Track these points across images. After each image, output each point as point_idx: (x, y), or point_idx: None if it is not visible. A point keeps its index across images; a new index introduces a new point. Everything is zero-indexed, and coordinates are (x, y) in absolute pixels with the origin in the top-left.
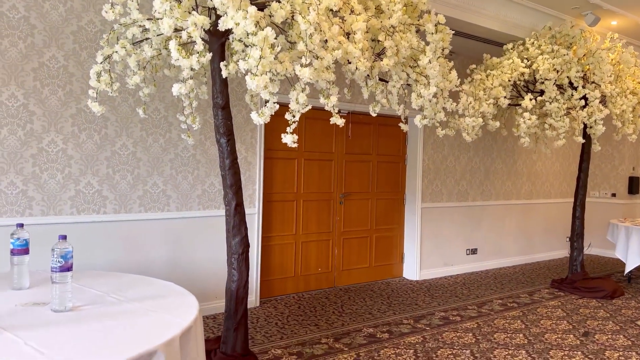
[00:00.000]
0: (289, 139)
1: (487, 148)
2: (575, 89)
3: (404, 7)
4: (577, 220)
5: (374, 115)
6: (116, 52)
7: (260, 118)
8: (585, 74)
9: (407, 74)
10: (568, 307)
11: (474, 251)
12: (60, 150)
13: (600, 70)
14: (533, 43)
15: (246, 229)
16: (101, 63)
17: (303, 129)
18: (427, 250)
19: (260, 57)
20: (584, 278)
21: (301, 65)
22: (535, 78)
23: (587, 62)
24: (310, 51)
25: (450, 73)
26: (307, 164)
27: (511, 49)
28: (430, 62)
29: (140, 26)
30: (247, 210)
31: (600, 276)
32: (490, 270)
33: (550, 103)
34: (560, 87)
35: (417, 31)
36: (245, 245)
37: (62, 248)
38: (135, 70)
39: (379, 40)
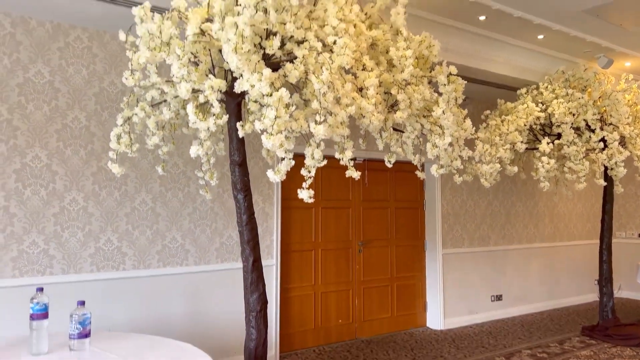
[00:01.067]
0: (305, 194)
1: (506, 191)
2: (593, 131)
3: (416, 60)
4: (605, 264)
5: (389, 166)
6: (136, 114)
7: (276, 176)
8: (602, 116)
9: (422, 125)
10: (601, 357)
11: (499, 297)
12: (82, 208)
13: (617, 112)
14: (547, 87)
15: (264, 285)
16: (121, 125)
17: (319, 178)
18: (451, 298)
19: (276, 117)
20: (616, 325)
21: (315, 123)
22: (551, 121)
23: (603, 105)
24: (324, 108)
25: (464, 121)
26: (324, 213)
27: (525, 93)
28: (444, 112)
29: (158, 89)
30: (265, 262)
31: (633, 322)
32: (516, 317)
33: (569, 146)
34: (577, 130)
35: (430, 82)
36: (264, 302)
37: (80, 314)
38: (154, 131)
39: (391, 93)
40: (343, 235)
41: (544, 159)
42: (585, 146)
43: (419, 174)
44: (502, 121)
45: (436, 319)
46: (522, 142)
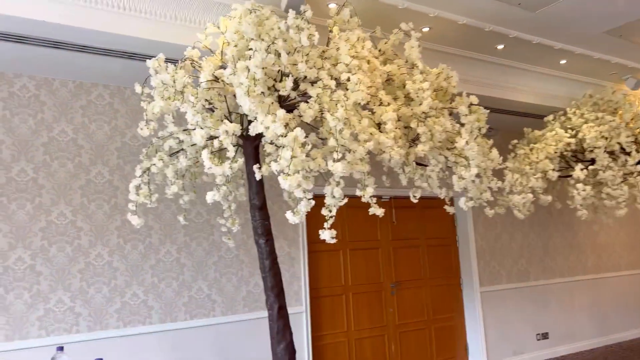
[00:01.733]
0: (327, 235)
1: (542, 222)
2: (629, 154)
3: (434, 92)
4: None
5: (415, 201)
6: (154, 164)
7: (295, 217)
8: (636, 138)
9: (445, 157)
10: None
11: (545, 335)
12: (107, 264)
13: None
14: (575, 112)
15: (291, 334)
16: (140, 176)
17: (344, 218)
18: (493, 339)
19: (292, 157)
20: None
21: (333, 160)
22: (583, 147)
23: (637, 126)
24: (342, 145)
25: (490, 152)
26: (352, 254)
27: (552, 120)
28: (467, 143)
29: (176, 138)
30: (294, 309)
31: None
32: (566, 357)
33: (604, 171)
34: (611, 154)
35: (451, 114)
36: (291, 352)
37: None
38: (173, 180)
39: (411, 127)
40: (374, 276)
41: (579, 185)
42: (622, 170)
43: (447, 208)
44: (530, 150)
45: None
46: (553, 169)
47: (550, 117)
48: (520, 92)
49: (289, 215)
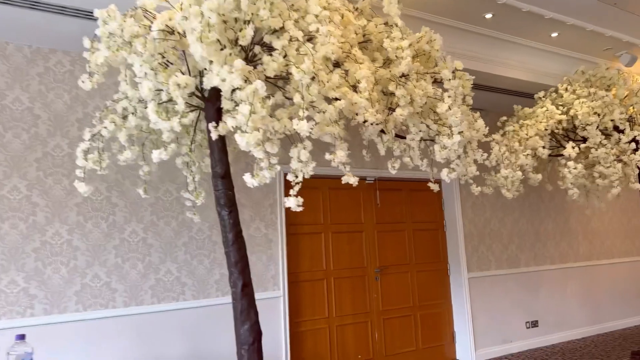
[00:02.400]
0: (292, 202)
1: (533, 207)
2: (622, 131)
3: (417, 57)
4: None
5: (393, 172)
6: (105, 127)
7: (254, 180)
8: (631, 116)
9: (427, 126)
10: None
11: (534, 324)
12: (65, 242)
13: None
14: (567, 89)
15: (256, 313)
16: (89, 140)
17: (328, 200)
18: (481, 326)
19: (251, 113)
20: None
21: (299, 119)
22: (575, 125)
23: (631, 103)
24: (309, 103)
25: (476, 121)
26: (335, 238)
27: (543, 97)
28: (450, 108)
29: (124, 95)
30: (271, 294)
31: None
32: (556, 345)
33: (597, 149)
34: (604, 132)
35: (435, 81)
36: (257, 333)
37: (20, 353)
38: (127, 145)
39: (392, 93)
40: (357, 261)
41: (570, 163)
42: (615, 148)
43: (432, 186)
44: (520, 127)
45: (466, 350)
46: (544, 147)
47: (541, 93)
48: (510, 68)
49: (247, 178)
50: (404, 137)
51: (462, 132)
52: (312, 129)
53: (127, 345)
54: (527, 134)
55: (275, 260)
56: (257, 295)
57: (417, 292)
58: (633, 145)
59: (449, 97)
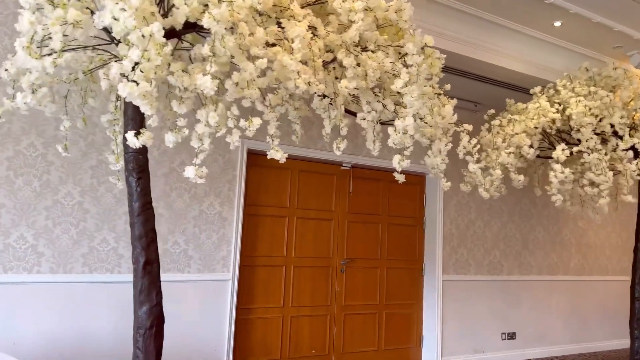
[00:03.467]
0: (190, 172)
1: (524, 213)
2: (621, 138)
3: (383, 27)
4: (637, 303)
5: (338, 153)
6: (6, 69)
7: (135, 140)
8: (634, 122)
9: (384, 105)
10: None
11: (511, 336)
12: None
13: None
14: (565, 85)
15: (159, 295)
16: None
17: (297, 183)
18: (452, 333)
19: (145, 59)
20: None
21: (203, 73)
22: (570, 126)
23: (635, 107)
24: (223, 58)
25: (443, 107)
26: (300, 224)
27: (540, 92)
28: (406, 85)
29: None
30: (218, 276)
31: None
32: None
33: (589, 154)
34: (602, 136)
35: (402, 59)
36: (156, 317)
37: None
38: (28, 92)
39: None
40: (322, 250)
41: (557, 167)
42: (611, 155)
43: (397, 175)
44: (508, 122)
45: (433, 356)
46: (530, 146)
47: (538, 88)
48: (507, 58)
49: (129, 135)
50: (354, 113)
51: (420, 115)
52: (218, 88)
53: (50, 316)
54: (512, 130)
55: (228, 241)
56: (203, 277)
57: (386, 289)
58: (630, 153)
59: (407, 73)
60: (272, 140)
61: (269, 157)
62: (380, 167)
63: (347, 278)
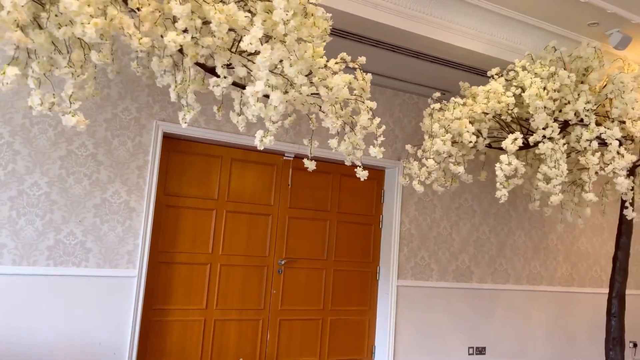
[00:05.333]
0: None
1: (501, 215)
2: (587, 126)
3: None
4: (614, 320)
5: (183, 125)
6: None
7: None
8: (601, 109)
9: (249, 70)
10: None
11: (480, 350)
12: None
13: (623, 100)
14: (525, 66)
15: None
16: None
17: (228, 173)
18: (406, 344)
19: None
20: None
21: None
22: (530, 113)
23: (606, 92)
24: None
25: (331, 77)
26: (231, 218)
27: (497, 74)
28: (260, 43)
29: None
30: (122, 272)
31: None
32: None
33: (544, 143)
34: (565, 125)
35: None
36: None
37: None
38: None
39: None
40: (257, 249)
41: (503, 158)
42: (576, 146)
43: (358, 172)
44: (452, 106)
45: None
46: (474, 133)
47: (495, 70)
48: (464, 36)
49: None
50: (242, 86)
51: (289, 83)
52: None
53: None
54: (452, 115)
55: (135, 234)
56: (102, 272)
57: (332, 293)
58: (595, 144)
59: (260, 28)
60: (71, 104)
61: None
62: (330, 159)
63: (286, 280)
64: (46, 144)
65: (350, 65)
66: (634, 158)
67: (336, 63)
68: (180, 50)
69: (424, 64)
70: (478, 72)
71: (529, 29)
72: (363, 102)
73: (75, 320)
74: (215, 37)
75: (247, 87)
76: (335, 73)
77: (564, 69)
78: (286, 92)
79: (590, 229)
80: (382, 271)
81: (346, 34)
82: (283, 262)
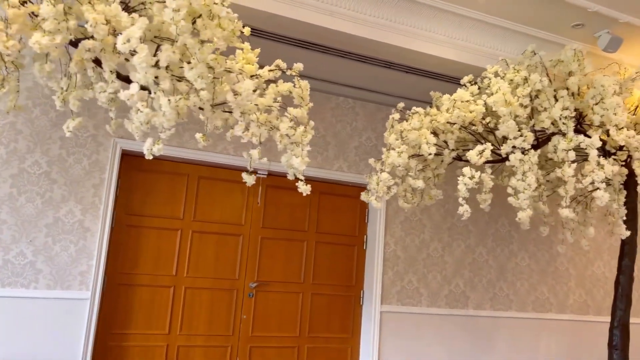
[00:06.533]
0: None
1: (501, 236)
2: (564, 135)
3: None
4: (616, 353)
5: (149, 157)
6: None
7: None
8: (581, 115)
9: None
10: None
11: None
12: None
13: (604, 106)
14: (498, 72)
15: None
16: None
17: (195, 191)
18: None
19: None
20: None
21: None
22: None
23: (588, 97)
24: None
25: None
26: (198, 238)
27: (470, 82)
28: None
29: None
30: (73, 294)
31: None
32: None
33: (514, 153)
34: (540, 133)
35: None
36: None
37: None
38: None
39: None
40: (226, 271)
41: (466, 170)
42: (554, 157)
43: (300, 186)
44: (411, 115)
45: None
46: (435, 145)
47: (467, 78)
48: (435, 43)
49: None
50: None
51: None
52: None
53: None
54: (410, 126)
55: (89, 254)
56: (53, 294)
57: (310, 319)
58: (572, 154)
59: (138, 27)
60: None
61: None
62: (309, 176)
63: (258, 304)
64: None
65: (289, 72)
66: (616, 169)
67: (270, 70)
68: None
69: (398, 74)
70: (456, 82)
71: (507, 34)
72: (285, 109)
73: (23, 343)
74: (98, 38)
75: (121, 91)
76: (272, 81)
77: (547, 74)
78: (186, 99)
79: (608, 251)
80: (366, 295)
81: (310, 45)
82: (254, 285)
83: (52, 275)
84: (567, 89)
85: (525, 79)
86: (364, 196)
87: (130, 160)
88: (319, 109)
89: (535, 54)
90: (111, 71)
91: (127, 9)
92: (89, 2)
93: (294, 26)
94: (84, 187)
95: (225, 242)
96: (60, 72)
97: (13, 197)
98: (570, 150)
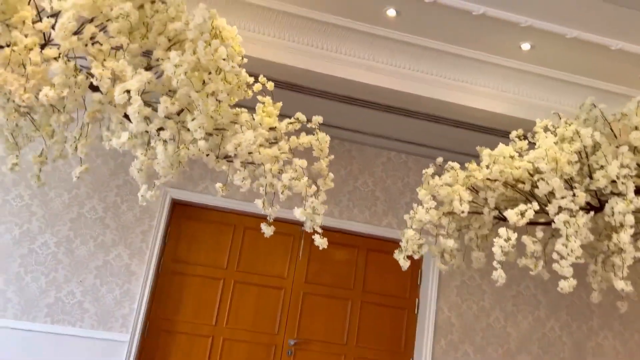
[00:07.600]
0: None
1: (578, 309)
2: (618, 195)
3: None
4: None
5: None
6: None
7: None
8: None
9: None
10: None
11: None
12: None
13: None
14: (547, 126)
15: None
16: None
17: (240, 241)
18: None
19: None
20: None
21: None
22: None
23: None
24: None
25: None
26: (239, 289)
27: (519, 137)
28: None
29: None
30: (113, 335)
31: None
32: None
33: (558, 214)
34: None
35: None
36: None
37: None
38: None
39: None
40: (266, 325)
41: (502, 232)
42: (610, 221)
43: (317, 240)
44: (447, 170)
45: None
46: (469, 202)
47: (515, 132)
48: (486, 98)
49: None
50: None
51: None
52: None
53: None
54: (441, 181)
55: (132, 298)
56: (95, 334)
57: None
58: (630, 218)
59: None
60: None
61: None
62: (355, 232)
63: None
64: (60, 206)
65: (309, 125)
66: None
67: (290, 123)
68: None
69: (447, 128)
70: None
71: (567, 87)
72: (291, 161)
73: None
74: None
75: (112, 139)
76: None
77: (610, 129)
78: (187, 148)
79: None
80: None
81: (351, 100)
82: (294, 343)
83: (97, 315)
84: (630, 144)
85: (577, 133)
86: (396, 254)
87: (181, 209)
88: (368, 163)
89: (595, 106)
90: (120, 122)
91: (149, 68)
92: (103, 60)
93: (335, 82)
94: (134, 233)
95: (267, 294)
96: (76, 121)
97: (70, 240)
98: (628, 213)
